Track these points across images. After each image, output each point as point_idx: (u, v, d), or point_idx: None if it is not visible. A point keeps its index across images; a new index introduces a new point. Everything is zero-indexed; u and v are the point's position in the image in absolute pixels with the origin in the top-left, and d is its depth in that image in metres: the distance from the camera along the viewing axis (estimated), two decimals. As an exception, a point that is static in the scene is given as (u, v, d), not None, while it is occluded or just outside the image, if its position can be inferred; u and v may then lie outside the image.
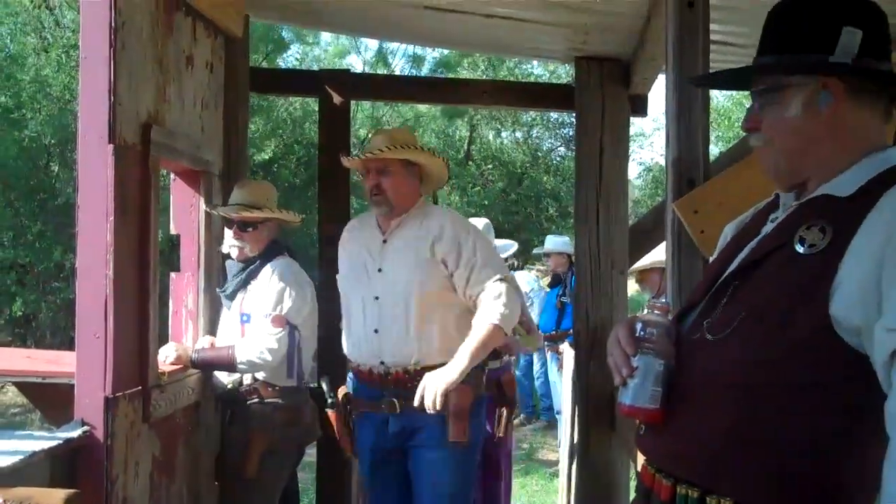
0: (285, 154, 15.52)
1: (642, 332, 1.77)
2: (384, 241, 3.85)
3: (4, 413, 10.54)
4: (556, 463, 7.89)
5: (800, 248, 1.63)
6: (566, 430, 6.61)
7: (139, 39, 3.75)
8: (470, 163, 21.54)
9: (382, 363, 3.76)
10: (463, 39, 6.02)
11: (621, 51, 5.14)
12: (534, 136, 22.93)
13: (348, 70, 6.42)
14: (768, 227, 1.79)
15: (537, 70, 21.19)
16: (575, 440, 5.75)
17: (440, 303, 3.77)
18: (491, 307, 3.65)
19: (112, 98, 3.50)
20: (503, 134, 23.15)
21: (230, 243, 4.26)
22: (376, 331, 3.77)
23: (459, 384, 3.55)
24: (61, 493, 2.69)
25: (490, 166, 21.75)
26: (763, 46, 1.79)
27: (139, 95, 3.75)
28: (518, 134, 23.16)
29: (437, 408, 3.50)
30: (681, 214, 2.96)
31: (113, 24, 3.51)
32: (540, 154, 22.50)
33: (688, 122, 2.99)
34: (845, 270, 1.54)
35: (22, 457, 2.88)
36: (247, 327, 4.14)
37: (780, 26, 1.76)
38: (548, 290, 10.73)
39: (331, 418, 4.15)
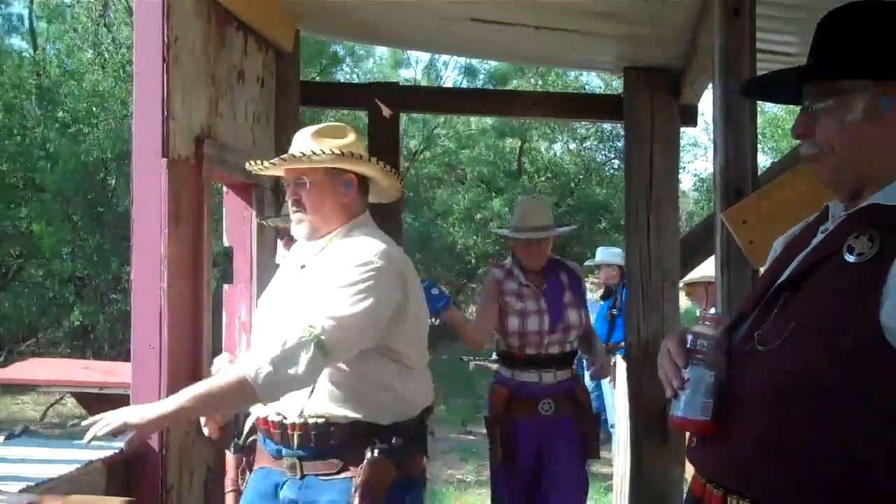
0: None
1: (693, 344, 1.75)
2: (302, 267, 3.01)
3: (63, 423, 10.72)
4: (610, 476, 7.84)
5: (849, 258, 1.62)
6: (620, 443, 6.57)
7: (191, 54, 3.82)
8: (523, 175, 21.53)
9: (278, 413, 2.88)
10: (511, 51, 6.04)
11: (671, 61, 5.12)
12: (587, 147, 22.86)
13: (397, 83, 6.46)
14: (818, 238, 1.78)
15: (594, 81, 21.15)
16: (628, 453, 5.72)
17: None
18: (260, 355, 2.66)
19: (165, 112, 3.57)
20: (556, 146, 23.12)
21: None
22: None
23: (381, 456, 2.75)
24: (117, 502, 2.74)
25: (542, 178, 21.71)
26: (817, 51, 1.77)
27: (192, 110, 3.82)
28: (571, 145, 23.12)
29: (86, 439, 2.61)
30: (729, 225, 2.94)
31: (165, 40, 3.59)
32: (593, 166, 22.42)
33: (735, 132, 2.97)
34: (894, 278, 1.53)
35: (79, 466, 2.95)
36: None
37: (837, 31, 1.74)
38: (600, 302, 10.67)
39: (227, 462, 3.40)
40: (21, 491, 2.59)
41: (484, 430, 4.82)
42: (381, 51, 20.19)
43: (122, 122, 12.78)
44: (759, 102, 3.25)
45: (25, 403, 12.19)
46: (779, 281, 1.77)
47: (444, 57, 19.76)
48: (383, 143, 5.47)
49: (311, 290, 2.80)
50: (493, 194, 19.89)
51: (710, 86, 3.44)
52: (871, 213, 1.66)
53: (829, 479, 1.56)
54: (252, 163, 3.11)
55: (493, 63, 19.30)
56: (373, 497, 2.71)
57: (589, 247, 18.09)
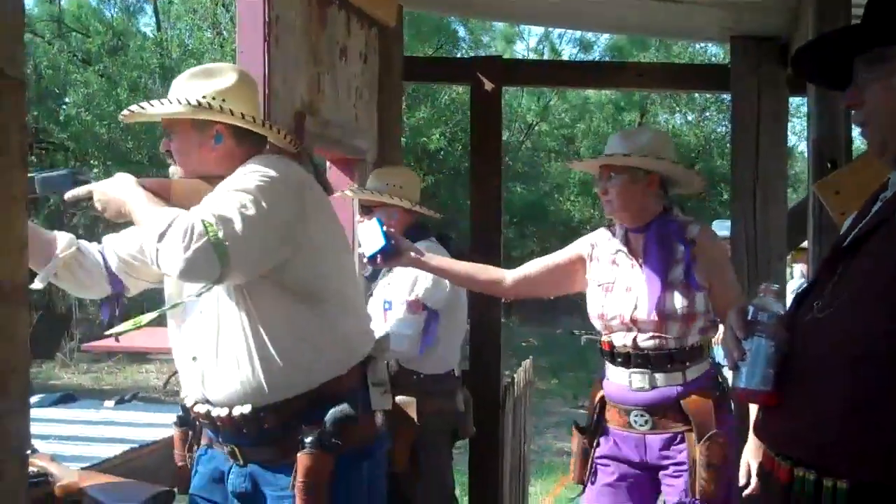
0: (452, 141, 15.73)
1: (754, 316, 1.77)
2: None
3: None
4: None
5: None
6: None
7: (293, 33, 3.92)
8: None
9: (203, 403, 2.69)
10: (615, 22, 5.99)
11: (778, 29, 5.00)
12: (707, 118, 22.43)
13: (499, 56, 6.45)
14: (877, 206, 1.77)
15: (714, 50, 20.70)
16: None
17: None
18: (175, 219, 2.37)
19: (267, 90, 3.68)
20: (676, 117, 22.75)
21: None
22: None
23: (310, 453, 2.52)
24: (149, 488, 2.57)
25: (661, 150, 21.39)
26: (866, 20, 1.76)
27: (293, 87, 3.92)
28: (690, 116, 22.72)
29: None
30: (821, 195, 2.89)
31: (267, 19, 3.69)
32: (714, 137, 22.00)
33: (828, 102, 2.92)
34: None
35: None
36: (388, 314, 4.05)
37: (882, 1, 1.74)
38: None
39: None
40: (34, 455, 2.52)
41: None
42: (498, 25, 20.17)
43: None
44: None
45: (150, 372, 12.71)
46: (839, 246, 1.77)
47: (559, 30, 19.61)
48: (486, 117, 5.49)
49: None
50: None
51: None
52: None
53: None
54: (124, 112, 2.76)
55: (608, 35, 19.10)
56: (315, 490, 2.51)
57: (709, 220, 17.80)
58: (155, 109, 2.61)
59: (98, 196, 2.59)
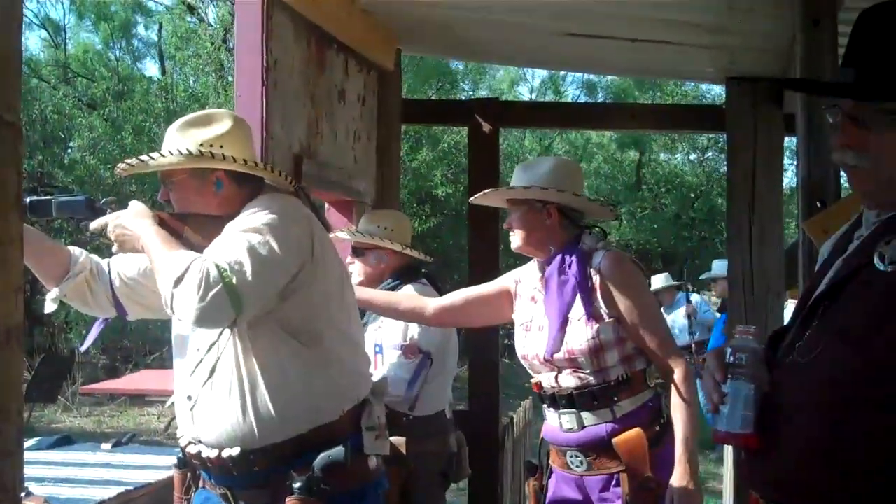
0: (454, 183, 15.80)
1: (731, 358, 1.76)
2: None
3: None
4: (720, 494, 7.72)
5: (879, 266, 1.61)
6: (729, 460, 6.47)
7: (291, 77, 3.97)
8: (643, 187, 21.34)
9: (194, 443, 2.69)
10: (609, 63, 6.06)
11: (773, 70, 5.05)
12: (708, 157, 22.51)
13: (496, 98, 6.53)
14: (854, 245, 1.77)
15: (716, 90, 20.81)
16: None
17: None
18: (192, 263, 2.37)
19: (265, 133, 3.72)
20: (677, 156, 22.83)
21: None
22: None
23: (297, 499, 2.50)
24: None
25: (663, 189, 21.47)
26: (853, 57, 1.72)
27: (291, 130, 3.97)
28: (692, 156, 22.80)
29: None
30: (811, 234, 2.92)
31: (265, 64, 3.74)
32: (715, 176, 22.07)
33: (817, 142, 2.95)
34: None
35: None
36: (379, 358, 4.02)
37: (879, 42, 1.68)
38: (717, 315, 10.50)
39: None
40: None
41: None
42: (500, 67, 20.31)
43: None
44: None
45: (151, 415, 12.67)
46: (818, 291, 1.76)
47: (563, 72, 19.75)
48: (484, 158, 5.54)
49: None
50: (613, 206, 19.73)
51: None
52: None
53: (885, 496, 1.55)
54: (120, 166, 2.73)
55: (611, 78, 19.21)
56: None
57: (711, 259, 17.80)
58: (155, 162, 2.60)
59: (114, 230, 2.61)
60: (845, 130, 1.72)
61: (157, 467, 3.22)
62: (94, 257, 2.88)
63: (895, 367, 1.53)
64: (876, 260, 1.62)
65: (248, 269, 2.36)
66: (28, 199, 2.65)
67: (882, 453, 1.54)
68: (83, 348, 2.86)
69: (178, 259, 2.39)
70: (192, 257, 2.39)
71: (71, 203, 2.68)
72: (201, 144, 2.60)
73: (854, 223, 1.85)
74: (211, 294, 2.30)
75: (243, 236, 2.44)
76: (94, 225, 2.67)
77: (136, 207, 2.63)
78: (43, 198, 2.68)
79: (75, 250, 2.87)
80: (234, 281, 2.33)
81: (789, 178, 14.40)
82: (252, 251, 2.39)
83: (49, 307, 2.80)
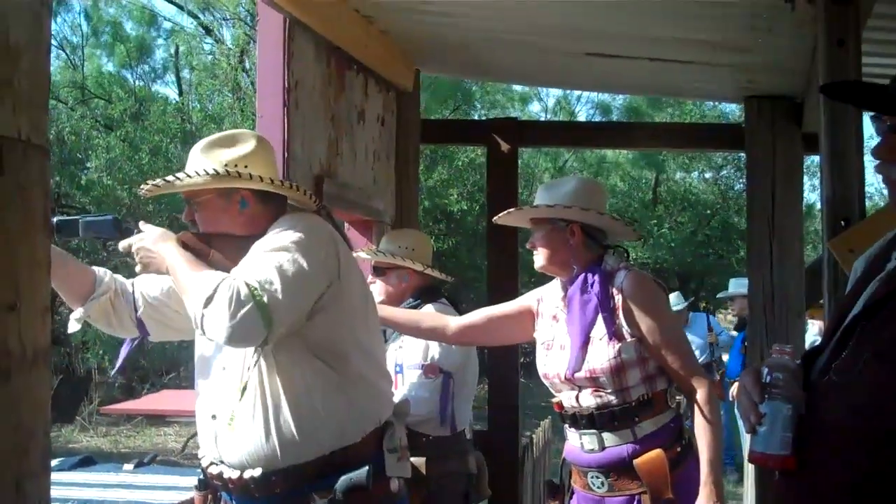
0: (470, 201, 15.79)
1: (769, 377, 1.72)
2: None
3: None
4: (741, 512, 7.66)
5: None
6: (749, 477, 6.42)
7: (311, 98, 3.99)
8: (658, 205, 21.29)
9: (216, 463, 2.68)
10: (628, 83, 6.06)
11: (792, 89, 5.05)
12: (724, 175, 22.45)
13: (515, 118, 6.54)
14: (892, 264, 1.75)
15: (733, 110, 20.79)
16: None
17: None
18: (220, 283, 2.36)
19: (286, 154, 3.74)
20: (693, 174, 22.79)
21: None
22: None
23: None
24: None
25: (679, 208, 21.42)
26: None
27: (312, 151, 3.98)
28: (708, 174, 22.75)
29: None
30: (836, 253, 2.89)
31: (286, 85, 3.77)
32: (731, 194, 22.00)
33: (841, 160, 2.93)
34: None
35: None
36: (399, 378, 4.00)
37: None
38: (734, 334, 10.46)
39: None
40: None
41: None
42: (515, 87, 20.34)
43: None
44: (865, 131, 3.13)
45: (168, 435, 12.68)
46: (854, 310, 1.74)
47: (576, 92, 19.75)
48: (503, 178, 5.54)
49: None
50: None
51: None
52: None
53: None
54: (145, 187, 2.73)
55: (624, 97, 19.20)
56: None
57: (727, 278, 17.74)
58: (182, 183, 2.60)
59: (140, 253, 2.61)
60: (889, 143, 1.71)
61: (179, 488, 3.21)
62: (119, 278, 2.88)
63: None
64: None
65: (278, 286, 2.36)
66: (55, 220, 2.64)
67: None
68: (114, 372, 2.85)
69: (206, 279, 2.39)
70: (220, 277, 2.39)
71: (98, 223, 2.69)
72: (226, 164, 2.60)
73: (890, 242, 1.83)
74: (242, 312, 2.30)
75: (272, 255, 2.43)
76: (122, 246, 2.68)
77: (157, 230, 2.63)
78: (70, 217, 2.69)
79: (100, 271, 2.87)
80: (265, 299, 2.32)
81: (806, 197, 14.36)
82: (281, 269, 2.39)
83: (73, 327, 2.80)
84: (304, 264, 2.43)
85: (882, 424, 1.55)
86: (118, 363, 2.90)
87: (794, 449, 1.69)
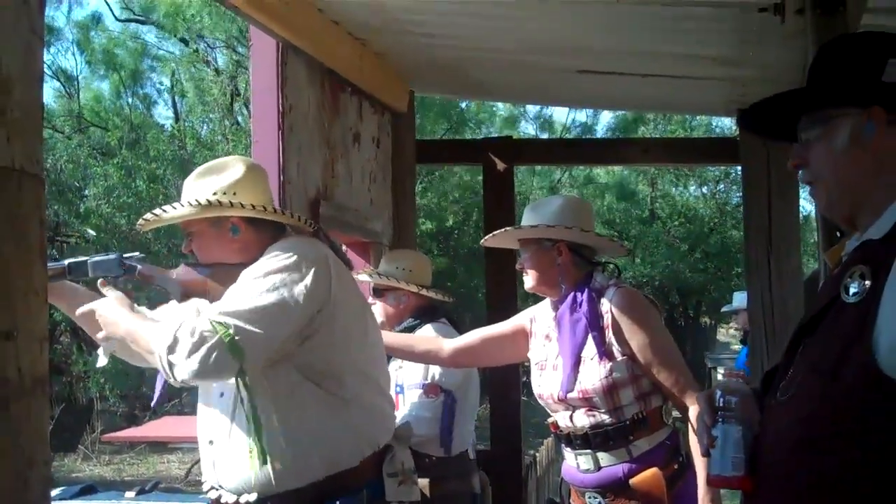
0: (465, 220, 15.83)
1: (721, 401, 1.75)
2: None
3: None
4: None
5: (845, 297, 1.58)
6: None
7: (306, 121, 4.00)
8: (656, 221, 21.33)
9: (216, 488, 2.71)
10: (620, 99, 6.08)
11: (785, 101, 5.06)
12: (720, 190, 22.51)
13: (509, 137, 6.57)
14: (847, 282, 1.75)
15: (725, 123, 20.87)
16: None
17: None
18: (171, 344, 2.37)
19: (282, 177, 3.75)
20: (690, 189, 22.85)
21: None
22: None
23: None
24: None
25: (676, 223, 21.46)
26: (810, 83, 1.77)
27: (308, 173, 3.99)
28: (704, 189, 22.81)
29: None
30: (832, 264, 2.89)
31: (281, 109, 3.78)
32: (728, 209, 22.05)
33: (835, 171, 2.94)
34: (883, 314, 1.50)
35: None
36: (400, 398, 3.99)
37: (826, 62, 1.75)
38: (738, 348, 10.46)
39: None
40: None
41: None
42: (500, 107, 20.43)
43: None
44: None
45: (171, 462, 12.65)
46: (797, 328, 1.74)
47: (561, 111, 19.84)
48: (499, 197, 5.55)
49: None
50: (626, 242, 19.71)
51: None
52: (865, 249, 1.63)
53: None
54: (139, 222, 2.79)
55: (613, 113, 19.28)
56: None
57: (727, 292, 17.75)
58: (168, 215, 2.63)
59: (99, 318, 2.62)
60: (794, 150, 1.75)
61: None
62: (145, 312, 2.86)
63: (864, 400, 1.50)
64: (842, 292, 1.59)
65: (249, 317, 2.37)
66: (66, 262, 2.71)
67: (859, 489, 1.50)
68: (154, 404, 2.92)
69: (163, 329, 2.41)
70: (178, 322, 2.39)
71: (104, 262, 2.73)
72: (214, 193, 2.62)
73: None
74: (205, 349, 2.32)
75: (253, 283, 2.45)
76: (80, 311, 2.69)
77: (111, 297, 2.62)
78: (80, 259, 2.74)
79: None
80: (231, 331, 2.33)
81: (803, 209, 14.37)
82: (258, 298, 2.40)
83: (101, 361, 2.82)
84: (287, 291, 2.43)
85: (816, 436, 1.56)
86: (156, 395, 2.91)
87: (748, 470, 1.70)
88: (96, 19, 17.87)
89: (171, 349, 2.34)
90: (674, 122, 20.12)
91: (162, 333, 2.39)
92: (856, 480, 1.51)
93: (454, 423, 3.98)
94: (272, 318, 2.40)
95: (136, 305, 2.65)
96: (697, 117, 19.62)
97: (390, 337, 3.56)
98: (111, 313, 2.58)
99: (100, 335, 2.65)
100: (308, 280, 2.48)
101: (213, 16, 14.56)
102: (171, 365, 2.35)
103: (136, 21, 17.30)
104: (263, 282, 2.44)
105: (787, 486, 1.61)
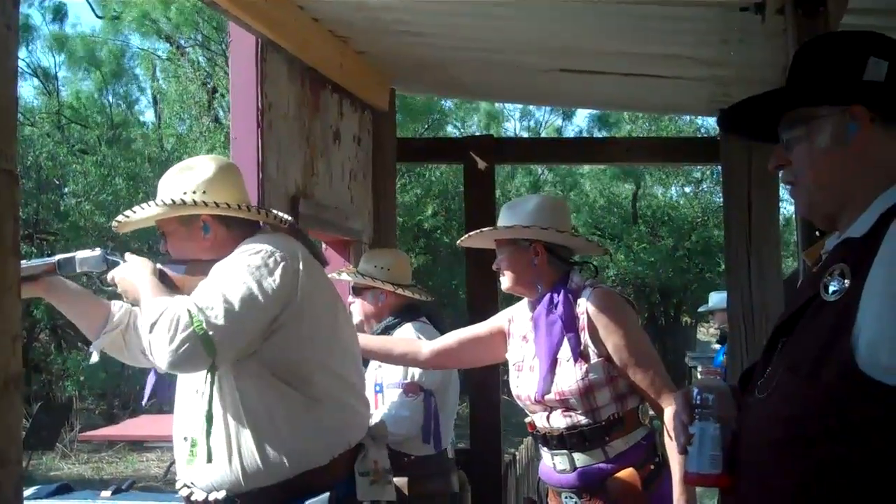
0: (446, 218, 15.81)
1: (698, 398, 1.74)
2: None
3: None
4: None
5: (825, 295, 1.58)
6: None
7: (286, 118, 3.98)
8: (639, 221, 21.37)
9: (188, 486, 2.70)
10: (601, 98, 6.09)
11: (765, 101, 5.07)
12: (703, 190, 22.56)
13: (491, 135, 6.56)
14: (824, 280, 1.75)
15: (709, 123, 20.88)
16: None
17: None
18: (164, 311, 2.40)
19: (261, 175, 3.73)
20: (672, 189, 22.90)
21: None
22: None
23: None
24: None
25: (659, 222, 21.50)
26: (790, 83, 1.76)
27: (287, 171, 3.97)
28: (687, 189, 22.86)
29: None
30: (810, 262, 2.90)
31: (260, 106, 3.76)
32: (711, 208, 22.11)
33: (815, 171, 2.94)
34: (862, 313, 1.50)
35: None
36: (380, 398, 3.98)
37: (806, 62, 1.74)
38: (717, 346, 10.49)
39: None
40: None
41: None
42: (482, 105, 20.43)
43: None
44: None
45: (150, 461, 12.58)
46: (774, 327, 1.74)
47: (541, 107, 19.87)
48: (480, 195, 5.54)
49: None
50: (609, 241, 19.75)
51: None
52: (845, 247, 1.63)
53: None
54: (114, 224, 2.86)
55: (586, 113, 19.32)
56: None
57: (709, 291, 17.77)
58: (137, 216, 2.67)
59: (119, 283, 2.66)
60: (775, 151, 1.74)
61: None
62: (136, 311, 2.87)
63: (843, 398, 1.50)
64: (822, 291, 1.59)
65: (220, 312, 2.39)
66: (56, 259, 2.79)
67: (836, 488, 1.50)
68: (144, 403, 3.00)
69: (155, 305, 2.44)
70: (166, 304, 2.41)
71: (89, 259, 2.80)
72: (185, 192, 2.64)
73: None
74: (180, 339, 2.34)
75: (220, 279, 2.47)
76: (109, 277, 2.74)
77: (136, 261, 2.66)
78: (68, 255, 2.81)
79: (115, 305, 2.93)
80: (205, 325, 2.35)
81: (784, 209, 14.42)
82: (227, 293, 2.42)
83: (93, 358, 2.92)
84: (254, 287, 2.44)
85: (794, 435, 1.56)
86: (146, 393, 2.93)
87: (725, 467, 1.69)
88: (62, 13, 17.90)
89: (152, 328, 2.38)
90: (664, 119, 20.16)
91: (151, 310, 2.43)
92: (834, 479, 1.51)
93: (437, 421, 3.97)
94: (241, 312, 2.41)
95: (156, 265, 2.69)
96: (692, 119, 19.71)
97: (369, 340, 3.54)
98: (131, 276, 2.62)
99: (128, 300, 2.68)
100: (277, 275, 2.49)
101: (184, 12, 14.52)
102: (149, 344, 2.41)
103: (112, 18, 17.21)
104: (232, 276, 2.46)
105: (766, 484, 1.61)
